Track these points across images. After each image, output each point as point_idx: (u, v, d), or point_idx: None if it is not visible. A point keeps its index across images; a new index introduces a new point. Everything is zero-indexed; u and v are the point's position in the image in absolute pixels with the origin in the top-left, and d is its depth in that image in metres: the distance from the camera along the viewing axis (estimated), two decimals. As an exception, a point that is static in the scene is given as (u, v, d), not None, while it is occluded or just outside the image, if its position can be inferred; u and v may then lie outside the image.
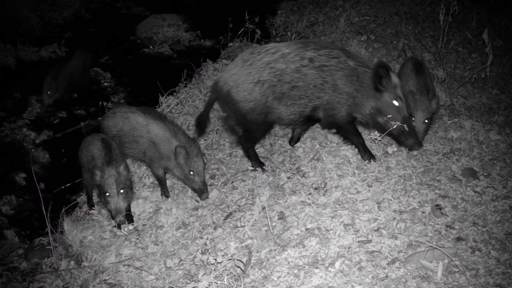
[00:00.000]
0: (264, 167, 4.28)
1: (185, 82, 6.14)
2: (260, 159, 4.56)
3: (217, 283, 2.91)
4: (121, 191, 3.70)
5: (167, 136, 4.01)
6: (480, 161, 4.11)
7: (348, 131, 4.13)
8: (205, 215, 3.95)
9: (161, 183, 4.27)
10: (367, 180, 3.89)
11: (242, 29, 6.59)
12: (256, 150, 4.70)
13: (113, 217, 3.75)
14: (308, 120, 4.21)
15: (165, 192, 4.26)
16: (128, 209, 3.94)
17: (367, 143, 4.38)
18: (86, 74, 6.63)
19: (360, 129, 4.70)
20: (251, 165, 4.34)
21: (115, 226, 3.91)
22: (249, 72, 3.85)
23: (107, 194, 3.70)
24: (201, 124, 4.40)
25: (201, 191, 4.02)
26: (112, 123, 4.27)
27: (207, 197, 4.05)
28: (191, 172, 3.96)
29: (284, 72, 3.82)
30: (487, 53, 4.72)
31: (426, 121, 4.13)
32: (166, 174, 4.30)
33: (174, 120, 5.02)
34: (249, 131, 4.16)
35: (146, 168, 4.55)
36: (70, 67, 6.37)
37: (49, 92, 6.09)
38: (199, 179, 4.00)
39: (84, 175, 4.17)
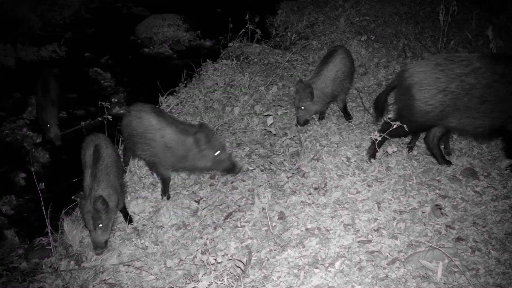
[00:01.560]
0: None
1: (185, 82, 6.15)
2: (260, 159, 4.57)
3: (217, 283, 2.91)
4: (100, 225, 3.61)
5: (181, 138, 3.99)
6: (480, 161, 4.12)
7: None
8: (205, 215, 3.95)
9: (166, 183, 4.27)
10: (367, 180, 3.89)
11: (243, 30, 6.59)
12: (256, 150, 4.71)
13: (93, 248, 3.72)
14: (492, 132, 4.07)
15: (166, 193, 4.26)
16: (125, 210, 3.99)
17: (367, 143, 4.38)
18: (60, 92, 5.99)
19: (360, 129, 4.71)
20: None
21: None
22: (438, 77, 3.81)
23: (87, 227, 3.72)
24: (379, 107, 4.31)
25: (234, 166, 4.07)
26: (126, 122, 4.23)
27: (242, 168, 4.16)
28: (217, 153, 3.97)
29: (475, 87, 3.78)
30: (491, 49, 4.71)
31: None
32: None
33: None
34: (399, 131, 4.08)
35: (148, 169, 4.55)
36: (54, 89, 5.74)
37: (57, 123, 5.60)
38: (226, 156, 4.03)
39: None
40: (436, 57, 4.03)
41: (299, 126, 4.80)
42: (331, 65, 4.70)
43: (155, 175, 4.49)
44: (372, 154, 4.14)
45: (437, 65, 3.82)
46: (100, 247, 3.66)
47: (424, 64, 3.91)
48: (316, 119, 4.95)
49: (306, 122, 4.76)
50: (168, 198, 4.24)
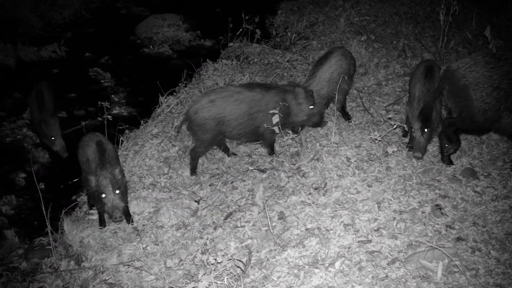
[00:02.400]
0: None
1: (185, 82, 6.14)
2: (259, 159, 4.57)
3: (217, 283, 2.91)
4: (117, 191, 3.69)
5: (282, 97, 4.27)
6: (480, 161, 4.12)
7: None
8: (205, 215, 3.95)
9: (273, 146, 4.53)
10: (367, 180, 3.89)
11: (242, 29, 6.58)
12: (256, 150, 4.71)
13: (110, 215, 3.72)
14: None
15: (273, 151, 4.52)
16: (126, 210, 3.93)
17: (367, 143, 4.38)
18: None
19: (360, 129, 4.71)
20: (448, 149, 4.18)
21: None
22: (490, 75, 3.82)
23: (103, 195, 3.68)
24: (427, 116, 4.14)
25: (322, 120, 4.59)
26: (215, 111, 4.19)
27: (326, 123, 4.63)
28: (311, 106, 4.35)
29: None
30: (490, 50, 4.71)
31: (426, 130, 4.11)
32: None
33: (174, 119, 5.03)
34: (466, 130, 4.13)
35: (148, 169, 4.55)
36: (49, 102, 5.53)
37: (60, 134, 5.41)
38: (317, 109, 4.45)
39: (83, 174, 4.17)
40: (483, 53, 4.05)
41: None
42: (326, 66, 4.69)
43: (155, 175, 4.49)
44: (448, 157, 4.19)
45: (487, 63, 3.85)
46: (118, 208, 3.67)
47: (473, 64, 3.91)
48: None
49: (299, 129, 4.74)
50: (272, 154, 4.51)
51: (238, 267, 3.07)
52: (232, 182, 4.27)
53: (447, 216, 3.43)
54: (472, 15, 6.33)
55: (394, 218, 3.44)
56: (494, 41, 4.67)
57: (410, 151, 4.27)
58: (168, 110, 5.46)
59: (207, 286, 2.82)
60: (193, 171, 4.48)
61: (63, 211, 4.00)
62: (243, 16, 6.45)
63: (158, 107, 5.63)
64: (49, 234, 3.79)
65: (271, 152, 4.54)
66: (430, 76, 4.28)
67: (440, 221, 3.39)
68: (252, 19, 6.66)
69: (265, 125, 4.21)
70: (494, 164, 4.06)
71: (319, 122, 4.59)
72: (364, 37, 6.28)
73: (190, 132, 4.41)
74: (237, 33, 6.69)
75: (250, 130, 4.33)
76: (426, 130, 4.06)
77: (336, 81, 4.64)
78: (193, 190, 4.31)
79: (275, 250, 3.31)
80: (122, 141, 4.91)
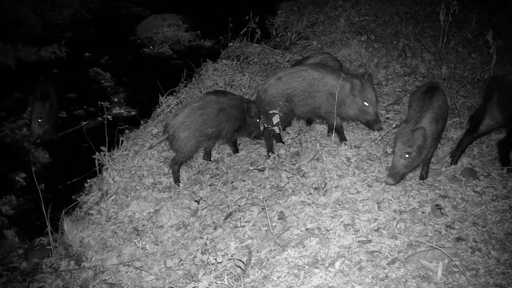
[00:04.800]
0: None
1: (185, 82, 6.14)
2: (259, 159, 4.57)
3: (217, 283, 2.91)
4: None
5: (341, 83, 4.14)
6: (480, 161, 4.12)
7: None
8: (205, 215, 3.95)
9: (339, 131, 4.42)
10: (367, 180, 3.89)
11: (247, 28, 6.59)
12: (257, 150, 4.71)
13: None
14: None
15: (342, 137, 4.43)
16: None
17: (367, 143, 4.38)
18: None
19: (360, 129, 4.70)
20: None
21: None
22: None
23: None
24: (476, 122, 4.07)
25: (375, 122, 4.19)
26: (282, 88, 4.27)
27: (381, 128, 4.20)
28: (365, 103, 4.13)
29: None
30: (491, 54, 4.72)
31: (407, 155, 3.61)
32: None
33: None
34: None
35: (148, 169, 4.55)
36: (54, 99, 5.50)
37: (40, 120, 5.19)
38: (372, 110, 4.15)
39: None
40: None
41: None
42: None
43: (155, 175, 4.49)
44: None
45: None
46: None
47: None
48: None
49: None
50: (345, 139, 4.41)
51: (238, 267, 3.07)
52: (232, 182, 4.27)
53: (447, 216, 3.43)
54: (472, 15, 6.34)
55: (394, 218, 3.44)
56: (495, 44, 4.67)
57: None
58: (168, 110, 5.47)
59: (207, 286, 2.82)
60: (271, 150, 4.51)
61: (63, 211, 4.00)
62: (250, 15, 6.47)
63: (158, 107, 5.63)
64: (49, 234, 3.80)
65: (342, 139, 4.43)
66: (428, 97, 3.78)
67: (440, 221, 3.39)
68: (252, 19, 6.66)
69: (323, 110, 4.24)
70: (494, 164, 4.05)
71: (375, 122, 4.19)
72: (364, 37, 6.28)
73: (262, 114, 4.46)
74: (238, 33, 6.70)
75: (310, 109, 4.36)
76: (407, 155, 3.58)
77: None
78: (193, 190, 4.32)
79: (275, 250, 3.31)
80: (122, 141, 4.91)
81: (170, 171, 4.43)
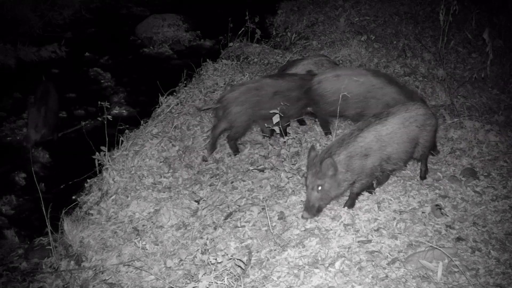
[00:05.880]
0: None
1: (185, 82, 6.14)
2: (259, 159, 4.57)
3: (217, 283, 2.91)
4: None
5: (401, 99, 4.11)
6: (480, 161, 4.12)
7: None
8: (205, 215, 3.95)
9: None
10: (367, 180, 3.88)
11: (245, 28, 6.59)
12: (257, 150, 4.71)
13: None
14: None
15: None
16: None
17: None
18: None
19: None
20: None
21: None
22: None
23: None
24: None
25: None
26: (337, 86, 4.24)
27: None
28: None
29: None
30: (487, 52, 4.72)
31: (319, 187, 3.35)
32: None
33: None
34: None
35: (148, 169, 4.55)
36: (54, 100, 5.58)
37: (36, 126, 5.29)
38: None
39: None
40: None
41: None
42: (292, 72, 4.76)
43: (155, 175, 4.49)
44: None
45: None
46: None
47: None
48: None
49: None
50: None
51: (238, 266, 3.07)
52: (232, 182, 4.27)
53: (447, 216, 3.43)
54: (472, 15, 6.33)
55: (394, 218, 3.44)
56: (491, 43, 4.67)
57: None
58: (168, 110, 5.46)
59: (207, 286, 2.82)
60: (327, 130, 4.55)
61: (63, 211, 4.00)
62: (247, 14, 6.47)
63: (158, 107, 5.63)
64: (49, 234, 3.79)
65: None
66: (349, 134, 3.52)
67: (440, 221, 3.39)
68: (252, 19, 6.66)
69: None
70: (494, 164, 4.05)
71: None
72: (364, 37, 6.29)
73: (312, 103, 4.49)
74: (239, 33, 6.70)
75: (359, 112, 4.32)
76: (319, 187, 3.32)
77: None
78: (193, 190, 4.31)
79: (275, 250, 3.30)
80: (122, 141, 4.91)
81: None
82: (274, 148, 4.60)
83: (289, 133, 4.40)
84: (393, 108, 3.71)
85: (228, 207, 3.95)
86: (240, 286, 2.96)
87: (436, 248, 3.01)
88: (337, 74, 4.38)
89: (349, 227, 3.40)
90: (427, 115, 3.68)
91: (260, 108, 4.39)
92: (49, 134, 5.51)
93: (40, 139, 5.38)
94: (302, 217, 3.45)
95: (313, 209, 3.38)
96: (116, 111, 6.29)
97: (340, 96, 4.04)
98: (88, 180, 4.76)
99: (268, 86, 4.44)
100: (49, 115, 5.42)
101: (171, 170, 4.54)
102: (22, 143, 5.40)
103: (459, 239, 3.22)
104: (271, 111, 4.04)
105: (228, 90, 4.60)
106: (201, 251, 3.43)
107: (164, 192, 4.31)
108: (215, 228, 3.72)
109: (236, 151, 4.60)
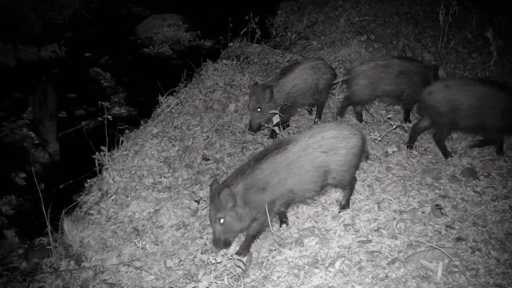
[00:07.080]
0: None
1: (185, 82, 6.14)
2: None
3: (217, 283, 2.91)
4: None
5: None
6: (480, 161, 4.12)
7: None
8: (205, 215, 3.95)
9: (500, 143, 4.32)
10: (367, 180, 3.89)
11: (244, 29, 6.59)
12: (257, 150, 4.71)
13: None
14: None
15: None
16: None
17: (367, 143, 4.38)
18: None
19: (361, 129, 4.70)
20: None
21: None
22: None
23: None
24: None
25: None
26: (448, 97, 4.15)
27: None
28: None
29: None
30: (491, 51, 4.72)
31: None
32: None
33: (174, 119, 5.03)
34: None
35: (148, 169, 4.55)
36: (53, 100, 5.62)
37: (57, 138, 5.44)
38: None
39: None
40: None
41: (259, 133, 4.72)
42: (289, 77, 4.70)
43: (155, 175, 4.49)
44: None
45: None
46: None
47: None
48: (281, 129, 4.58)
49: (259, 128, 4.63)
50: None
51: (238, 266, 3.07)
52: (232, 182, 4.27)
53: (447, 216, 3.43)
54: (472, 15, 6.34)
55: (394, 218, 3.44)
56: (495, 42, 4.67)
57: (411, 151, 4.26)
58: (168, 110, 5.46)
59: (207, 286, 2.82)
60: (445, 153, 4.29)
61: (63, 211, 4.00)
62: (250, 15, 6.47)
63: (158, 107, 5.63)
64: (49, 234, 3.79)
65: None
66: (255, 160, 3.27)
67: (440, 221, 3.39)
68: (252, 19, 6.66)
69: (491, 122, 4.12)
70: (494, 164, 4.05)
71: None
72: (364, 37, 6.29)
73: (426, 113, 4.41)
74: (238, 33, 6.70)
75: (476, 124, 4.17)
76: (221, 220, 3.09)
77: (297, 94, 4.71)
78: (193, 190, 4.31)
79: (275, 250, 3.31)
80: (122, 141, 4.91)
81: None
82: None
83: (289, 133, 4.40)
84: (297, 134, 3.50)
85: (228, 207, 3.95)
86: (240, 286, 2.96)
87: (436, 248, 3.01)
88: (447, 85, 4.23)
89: (349, 227, 3.40)
90: (341, 137, 3.30)
91: (384, 84, 4.67)
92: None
93: (42, 135, 5.44)
94: (212, 250, 3.23)
95: (219, 243, 3.13)
96: (116, 111, 6.28)
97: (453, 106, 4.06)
98: (88, 180, 4.76)
99: (395, 65, 4.69)
100: (55, 117, 5.49)
101: (171, 170, 4.54)
102: (49, 157, 5.40)
103: (459, 239, 3.22)
104: (271, 111, 4.03)
105: (358, 63, 4.95)
106: (201, 251, 3.43)
107: (164, 192, 4.30)
108: (215, 228, 3.72)
109: (360, 119, 4.92)
